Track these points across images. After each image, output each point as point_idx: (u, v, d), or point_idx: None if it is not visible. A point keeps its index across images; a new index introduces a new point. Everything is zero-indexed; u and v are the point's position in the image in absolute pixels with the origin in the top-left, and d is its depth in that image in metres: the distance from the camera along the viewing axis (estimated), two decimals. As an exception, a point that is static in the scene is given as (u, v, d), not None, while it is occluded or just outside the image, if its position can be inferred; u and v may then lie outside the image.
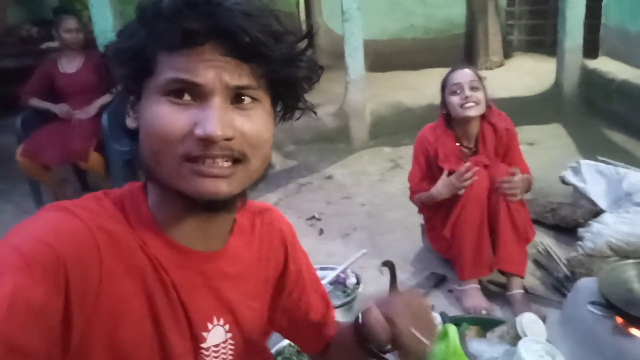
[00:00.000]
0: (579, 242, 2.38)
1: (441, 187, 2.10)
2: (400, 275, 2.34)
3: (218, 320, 0.75)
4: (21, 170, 3.21)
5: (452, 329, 1.38)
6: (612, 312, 1.59)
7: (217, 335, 0.75)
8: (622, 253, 2.29)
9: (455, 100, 2.09)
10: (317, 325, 0.95)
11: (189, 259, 0.71)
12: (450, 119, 2.19)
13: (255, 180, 0.70)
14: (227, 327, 0.77)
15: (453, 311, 2.05)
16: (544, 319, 1.91)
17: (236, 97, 0.64)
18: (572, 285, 1.93)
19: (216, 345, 0.75)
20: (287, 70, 0.65)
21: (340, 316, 1.87)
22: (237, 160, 0.65)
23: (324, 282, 1.96)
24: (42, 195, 3.37)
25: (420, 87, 5.01)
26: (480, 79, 2.13)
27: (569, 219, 2.60)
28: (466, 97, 2.06)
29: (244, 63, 0.62)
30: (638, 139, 3.78)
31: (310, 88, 0.71)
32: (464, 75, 2.10)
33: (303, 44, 0.67)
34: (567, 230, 2.60)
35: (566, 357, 1.64)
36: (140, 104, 0.66)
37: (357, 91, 4.25)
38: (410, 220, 2.80)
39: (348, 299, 1.89)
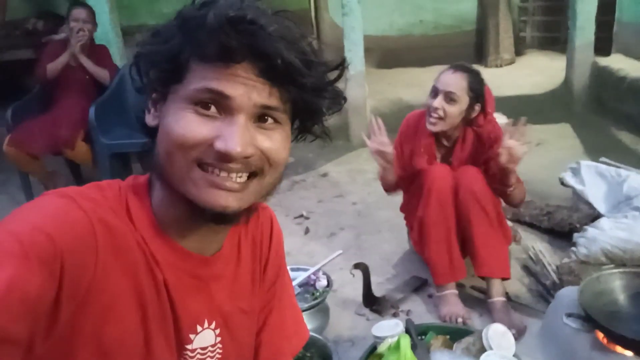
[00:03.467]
0: (573, 248, 2.25)
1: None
2: (380, 278, 2.25)
3: (209, 323, 0.74)
4: (8, 160, 3.18)
5: (404, 341, 1.28)
6: (590, 326, 1.46)
7: (205, 338, 0.74)
8: (618, 260, 2.15)
9: (427, 102, 1.97)
10: (264, 349, 0.88)
11: (186, 261, 0.71)
12: None
13: (263, 196, 0.71)
14: (217, 331, 0.76)
15: (430, 318, 1.94)
16: (524, 330, 1.79)
17: (260, 117, 0.65)
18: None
19: (203, 348, 0.74)
20: (314, 99, 0.67)
21: (305, 319, 1.78)
22: (253, 173, 0.66)
23: (293, 283, 1.87)
24: (32, 187, 3.34)
25: (424, 84, 4.83)
26: (471, 88, 1.91)
27: (564, 223, 2.45)
28: (433, 108, 1.92)
29: (275, 86, 0.63)
30: (649, 140, 3.60)
31: (330, 116, 0.72)
32: (447, 83, 1.90)
33: (333, 75, 0.68)
34: (562, 235, 2.45)
35: (543, 372, 1.53)
36: (165, 106, 0.66)
37: (356, 87, 4.14)
38: (399, 221, 2.67)
39: (315, 302, 1.79)
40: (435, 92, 1.94)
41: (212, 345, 0.75)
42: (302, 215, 3.01)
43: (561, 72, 4.58)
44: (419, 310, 2.02)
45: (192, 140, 0.63)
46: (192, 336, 0.73)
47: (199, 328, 0.73)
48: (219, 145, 0.62)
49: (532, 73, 5.19)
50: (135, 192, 0.70)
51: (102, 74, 3.33)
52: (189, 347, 0.72)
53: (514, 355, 1.34)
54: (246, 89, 0.62)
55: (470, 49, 6.06)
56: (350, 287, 2.17)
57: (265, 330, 0.88)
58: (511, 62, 5.71)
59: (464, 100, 1.92)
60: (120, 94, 3.41)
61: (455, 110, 1.92)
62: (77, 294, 0.60)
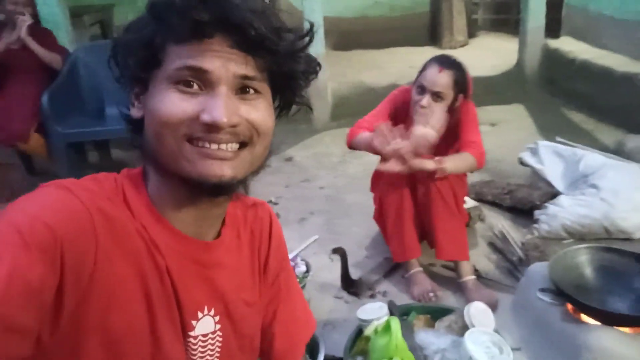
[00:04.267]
0: (535, 225, 2.36)
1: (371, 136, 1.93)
2: (354, 260, 2.28)
3: (209, 310, 0.75)
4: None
5: (394, 323, 1.32)
6: (562, 299, 1.55)
7: (206, 325, 0.75)
8: (578, 235, 2.28)
9: (415, 97, 2.01)
10: (279, 341, 0.90)
11: (187, 246, 0.72)
12: None
13: (255, 169, 0.72)
14: (217, 318, 0.76)
15: (404, 297, 2.00)
16: (496, 304, 1.88)
17: (241, 88, 0.67)
18: (526, 269, 1.90)
19: (204, 335, 0.75)
20: (288, 64, 0.69)
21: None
22: (243, 143, 0.68)
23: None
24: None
25: (384, 66, 4.93)
26: (456, 83, 1.96)
27: (525, 201, 2.57)
28: (421, 106, 1.96)
29: (250, 56, 0.66)
30: (598, 119, 3.79)
31: (308, 84, 0.75)
32: (433, 82, 1.94)
33: (303, 41, 0.71)
34: (524, 212, 2.57)
35: (517, 344, 1.61)
36: (147, 94, 0.68)
37: (317, 70, 4.12)
38: (369, 204, 2.71)
39: (296, 288, 1.80)
40: (422, 89, 1.97)
41: (212, 333, 0.76)
42: (270, 201, 3.00)
43: (513, 54, 4.72)
44: (395, 291, 2.08)
45: (178, 116, 0.64)
46: (193, 322, 0.73)
47: (199, 314, 0.74)
48: (205, 117, 0.64)
49: (485, 55, 5.33)
50: (131, 181, 0.71)
51: (54, 58, 3.15)
52: (191, 333, 0.73)
53: (494, 331, 1.41)
54: (222, 61, 0.65)
55: (425, 31, 6.15)
56: (327, 271, 2.20)
57: (278, 322, 0.89)
58: (464, 44, 5.84)
59: (450, 96, 1.97)
60: (73, 80, 3.26)
61: (442, 106, 1.98)
62: (80, 284, 0.60)
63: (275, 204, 2.98)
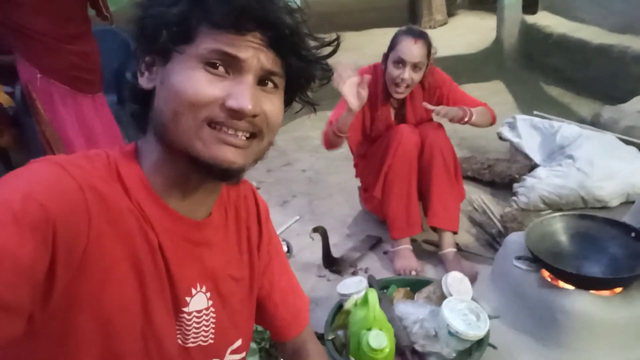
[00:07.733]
0: (514, 197, 2.39)
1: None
2: (337, 239, 2.30)
3: (201, 287, 0.77)
4: None
5: (372, 295, 1.33)
6: (538, 266, 1.58)
7: (199, 301, 0.77)
8: (555, 206, 2.31)
9: (393, 73, 2.02)
10: (282, 310, 0.94)
11: (179, 225, 0.73)
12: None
13: (256, 159, 0.74)
14: (208, 294, 0.78)
15: (386, 273, 2.02)
16: (476, 276, 1.91)
17: (262, 80, 0.69)
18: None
19: (198, 311, 0.77)
20: (310, 69, 0.73)
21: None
22: (253, 135, 0.69)
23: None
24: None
25: (362, 48, 4.91)
26: (429, 52, 2.02)
27: (504, 175, 2.60)
28: (402, 79, 2.00)
29: (278, 54, 0.68)
30: (575, 92, 3.83)
31: (318, 88, 0.78)
32: (412, 54, 1.97)
33: (327, 50, 0.74)
34: (503, 186, 2.60)
35: (496, 313, 1.63)
36: (168, 67, 0.67)
37: (296, 53, 4.10)
38: (350, 184, 2.74)
39: (277, 268, 1.81)
40: (401, 63, 1.99)
41: (206, 309, 0.78)
42: (252, 186, 3.00)
43: (492, 31, 4.74)
44: (376, 267, 2.10)
45: (204, 99, 0.65)
46: (187, 299, 0.75)
47: (193, 291, 0.75)
48: (232, 103, 0.65)
49: (465, 33, 5.34)
50: (125, 159, 0.71)
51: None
52: (185, 309, 0.75)
53: (472, 299, 1.43)
54: (255, 52, 0.67)
55: (404, 11, 6.13)
56: (309, 250, 2.21)
57: (276, 291, 0.92)
58: (444, 23, 5.84)
59: (425, 65, 2.03)
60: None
61: (421, 76, 2.04)
62: (72, 262, 0.60)
63: (258, 188, 2.98)
